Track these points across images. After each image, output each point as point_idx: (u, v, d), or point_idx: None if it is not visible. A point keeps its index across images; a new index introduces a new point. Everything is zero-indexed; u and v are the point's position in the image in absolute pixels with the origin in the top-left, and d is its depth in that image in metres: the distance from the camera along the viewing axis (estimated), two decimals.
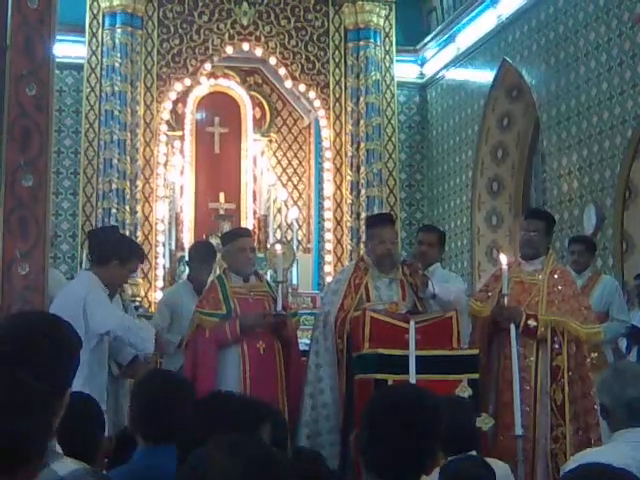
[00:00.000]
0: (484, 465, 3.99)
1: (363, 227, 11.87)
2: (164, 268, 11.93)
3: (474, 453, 4.49)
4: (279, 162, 13.42)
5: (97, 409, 3.22)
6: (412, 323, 5.83)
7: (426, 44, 13.48)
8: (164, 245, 12.06)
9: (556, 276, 6.42)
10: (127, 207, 11.84)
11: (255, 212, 12.85)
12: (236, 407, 2.66)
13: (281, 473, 1.97)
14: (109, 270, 5.49)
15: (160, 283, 11.90)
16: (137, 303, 11.11)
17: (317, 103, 12.73)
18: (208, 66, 12.49)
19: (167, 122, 12.55)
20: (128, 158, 11.95)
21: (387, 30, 12.94)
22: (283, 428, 3.63)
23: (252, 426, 2.62)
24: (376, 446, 2.59)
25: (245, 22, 12.53)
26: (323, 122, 12.78)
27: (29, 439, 2.03)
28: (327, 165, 12.76)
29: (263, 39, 12.55)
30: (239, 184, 12.84)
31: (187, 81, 12.44)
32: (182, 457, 2.60)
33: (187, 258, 8.28)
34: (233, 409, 2.64)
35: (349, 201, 12.59)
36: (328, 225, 12.71)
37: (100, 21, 12.19)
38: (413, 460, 2.59)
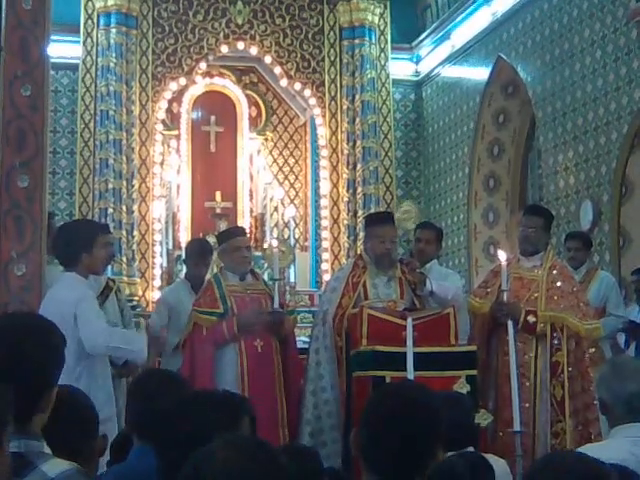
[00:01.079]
0: (481, 461, 3.98)
1: (360, 225, 11.88)
2: (161, 267, 11.93)
3: (471, 449, 4.49)
4: (275, 161, 13.41)
5: (89, 406, 3.20)
6: (409, 320, 5.83)
7: (421, 42, 13.47)
8: (161, 244, 12.06)
9: (555, 272, 6.44)
10: (124, 207, 11.83)
11: (252, 211, 12.85)
12: (212, 405, 2.66)
13: (284, 469, 1.98)
14: (84, 264, 5.43)
15: (157, 282, 11.90)
16: (134, 302, 11.11)
17: (312, 101, 12.72)
18: (203, 65, 12.48)
19: (163, 121, 12.54)
20: (124, 158, 11.93)
21: (382, 28, 12.94)
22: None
23: (231, 422, 2.61)
24: (376, 446, 2.58)
25: (240, 21, 12.52)
26: (319, 120, 12.77)
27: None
28: (323, 163, 12.75)
29: (258, 38, 12.54)
30: (235, 183, 12.83)
31: (182, 80, 12.43)
32: (162, 457, 2.59)
33: (184, 256, 8.28)
34: (210, 407, 2.64)
35: (346, 199, 12.59)
36: (325, 223, 12.71)
37: (95, 21, 12.17)
38: (413, 460, 2.58)
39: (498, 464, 4.67)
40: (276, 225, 12.96)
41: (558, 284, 6.39)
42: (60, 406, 2.72)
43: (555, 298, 6.32)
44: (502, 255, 6.26)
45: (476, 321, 6.55)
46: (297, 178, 13.45)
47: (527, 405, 6.10)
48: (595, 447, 3.78)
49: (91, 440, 2.95)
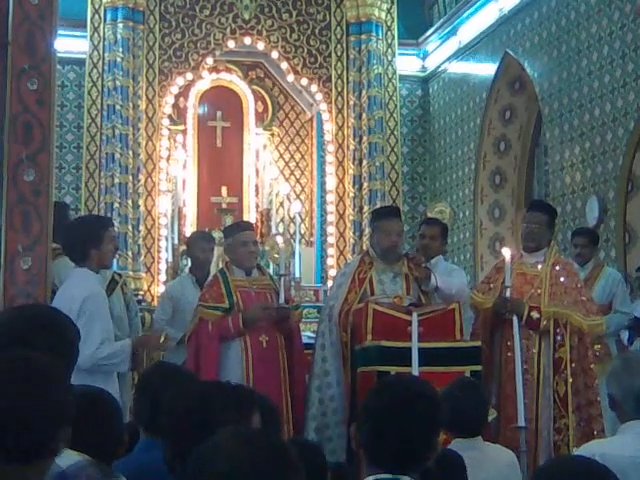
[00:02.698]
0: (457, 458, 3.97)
1: (366, 220, 11.88)
2: (167, 262, 11.94)
3: (479, 438, 4.49)
4: (281, 156, 13.41)
5: (116, 404, 3.25)
6: (414, 315, 5.84)
7: (428, 37, 13.47)
8: (167, 239, 12.07)
9: (558, 268, 6.44)
10: (130, 201, 11.84)
11: (257, 206, 12.85)
12: (224, 398, 2.66)
13: (292, 462, 1.97)
14: (93, 259, 5.47)
15: (163, 277, 11.92)
16: (140, 297, 11.12)
17: (319, 97, 12.72)
18: (210, 60, 12.48)
19: (169, 116, 12.55)
20: (130, 152, 11.94)
21: (389, 23, 12.93)
22: (274, 415, 3.63)
23: (243, 416, 2.61)
24: (376, 438, 2.60)
25: (247, 16, 12.52)
26: (325, 116, 12.77)
27: (44, 424, 2.01)
28: (329, 158, 12.75)
29: (265, 33, 12.53)
30: (241, 178, 12.84)
31: (189, 75, 12.43)
32: (172, 450, 2.59)
33: (186, 247, 8.32)
34: (221, 400, 2.64)
35: (351, 194, 12.59)
36: (331, 218, 12.71)
37: (102, 16, 12.17)
38: (414, 451, 2.59)
39: (504, 454, 4.67)
40: (282, 220, 12.96)
41: (561, 280, 6.40)
42: (90, 404, 2.76)
43: (558, 294, 6.32)
44: (507, 252, 6.27)
45: (479, 317, 6.56)
46: (303, 173, 13.45)
47: (530, 401, 6.11)
48: (604, 443, 3.79)
49: (120, 438, 2.98)
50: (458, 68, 12.88)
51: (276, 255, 11.35)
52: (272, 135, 13.30)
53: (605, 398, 3.89)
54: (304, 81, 12.68)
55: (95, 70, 12.14)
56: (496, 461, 4.51)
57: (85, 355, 5.23)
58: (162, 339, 5.76)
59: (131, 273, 11.42)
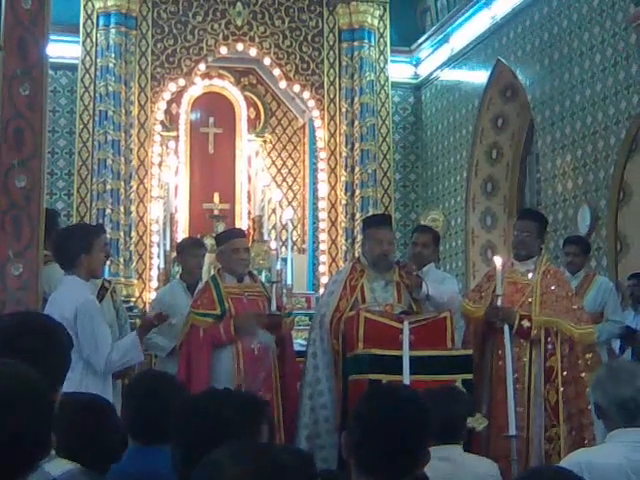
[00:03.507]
0: None
1: (358, 228, 11.88)
2: (158, 268, 11.92)
3: (459, 446, 4.44)
4: (274, 162, 13.41)
5: (110, 412, 3.25)
6: (406, 323, 5.83)
7: (420, 44, 13.48)
8: (159, 245, 12.05)
9: (549, 276, 6.44)
10: (121, 208, 11.83)
11: (250, 213, 12.85)
12: (235, 408, 2.64)
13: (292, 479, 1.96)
14: (83, 266, 5.47)
15: (154, 283, 11.90)
16: (131, 303, 11.10)
17: (311, 103, 12.72)
18: (202, 66, 12.48)
19: (161, 122, 12.54)
20: (122, 158, 11.93)
21: (381, 30, 12.94)
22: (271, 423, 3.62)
23: (252, 428, 2.60)
24: (367, 445, 2.59)
25: (239, 22, 12.52)
26: (317, 122, 12.77)
27: (30, 437, 1.93)
28: (321, 165, 12.75)
29: (257, 39, 12.54)
30: (234, 184, 12.83)
31: (181, 81, 12.43)
32: (182, 458, 2.57)
33: (176, 254, 8.31)
34: (232, 409, 2.62)
35: (344, 201, 12.59)
36: (323, 225, 12.71)
37: (94, 21, 12.17)
38: (404, 458, 2.59)
39: (483, 465, 4.60)
40: (274, 227, 12.96)
41: (552, 288, 6.40)
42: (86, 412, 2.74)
43: (549, 303, 6.32)
44: (498, 260, 6.27)
45: (470, 325, 6.55)
46: (295, 180, 13.45)
47: (521, 409, 6.10)
48: (590, 451, 3.79)
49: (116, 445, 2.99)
50: (450, 75, 12.89)
51: (262, 261, 11.37)
52: (264, 142, 13.30)
53: None
54: (296, 88, 12.68)
55: (87, 75, 12.13)
56: (474, 472, 4.44)
57: (101, 361, 5.30)
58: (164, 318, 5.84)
59: (123, 279, 11.41)
